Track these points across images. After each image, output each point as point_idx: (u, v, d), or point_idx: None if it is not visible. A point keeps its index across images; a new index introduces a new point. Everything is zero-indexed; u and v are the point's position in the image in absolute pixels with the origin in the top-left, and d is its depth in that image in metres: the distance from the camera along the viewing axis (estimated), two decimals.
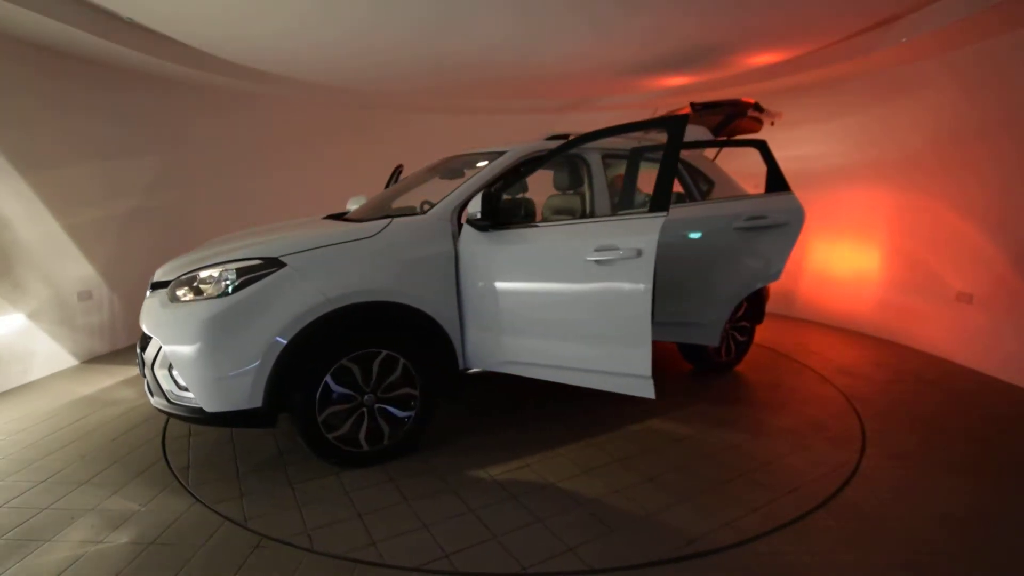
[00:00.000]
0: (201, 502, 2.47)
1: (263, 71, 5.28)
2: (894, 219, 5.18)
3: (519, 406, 3.57)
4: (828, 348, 4.95)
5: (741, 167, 6.33)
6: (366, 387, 2.73)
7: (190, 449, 3.00)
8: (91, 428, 3.24)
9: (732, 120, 4.54)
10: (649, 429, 3.24)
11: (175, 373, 2.55)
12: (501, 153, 3.28)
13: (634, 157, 3.64)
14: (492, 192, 2.76)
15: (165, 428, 3.23)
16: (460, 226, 2.96)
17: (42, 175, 4.12)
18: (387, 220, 2.89)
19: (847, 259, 5.63)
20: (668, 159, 2.38)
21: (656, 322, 3.42)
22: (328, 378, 2.62)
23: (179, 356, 2.47)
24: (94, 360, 4.56)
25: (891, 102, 5.12)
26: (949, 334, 4.64)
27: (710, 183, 4.20)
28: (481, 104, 6.71)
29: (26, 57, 4.01)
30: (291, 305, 2.53)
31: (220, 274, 2.55)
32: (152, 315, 2.68)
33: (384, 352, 2.75)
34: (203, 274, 2.58)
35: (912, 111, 4.94)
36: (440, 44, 4.51)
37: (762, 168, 3.81)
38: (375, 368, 2.74)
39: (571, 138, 3.64)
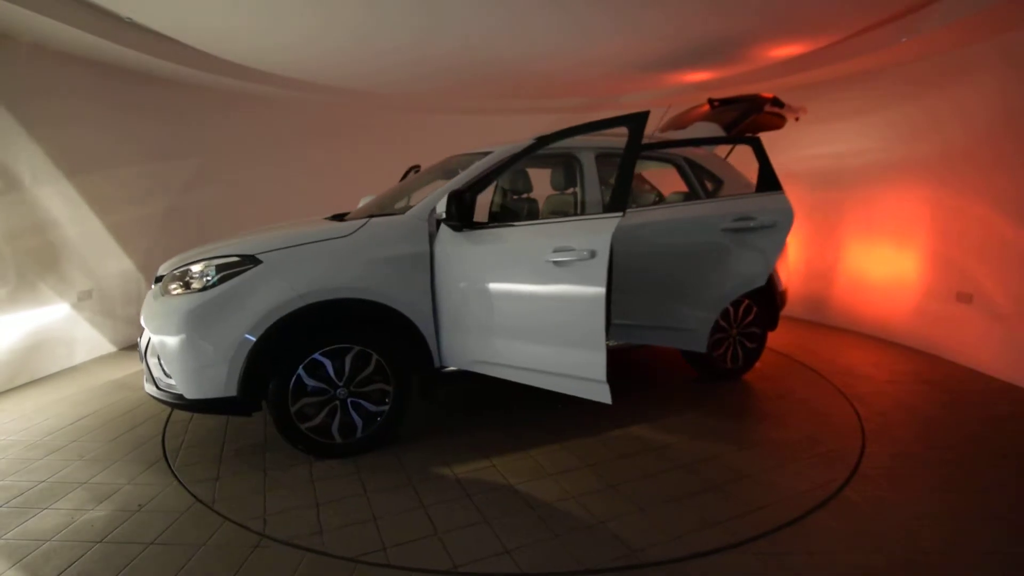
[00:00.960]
0: (201, 501, 2.47)
1: (289, 77, 5.55)
2: (937, 220, 4.76)
3: (506, 406, 3.58)
4: (856, 359, 4.63)
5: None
6: (339, 381, 2.83)
7: (185, 434, 3.21)
8: (93, 427, 3.26)
9: (747, 116, 4.34)
10: (629, 435, 3.16)
11: (162, 361, 2.74)
12: (488, 153, 3.30)
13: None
14: (460, 192, 2.78)
15: (165, 428, 3.26)
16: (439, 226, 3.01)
17: (85, 178, 4.53)
18: (365, 220, 2.98)
19: (885, 263, 5.23)
20: (626, 158, 2.31)
21: (643, 325, 3.35)
22: (301, 370, 2.74)
23: (164, 345, 2.66)
24: (131, 347, 4.97)
25: (938, 91, 4.67)
26: (997, 352, 4.21)
27: (718, 182, 4.03)
28: (503, 105, 6.74)
29: (74, 73, 4.42)
30: (264, 300, 2.66)
31: (203, 270, 2.72)
32: (147, 307, 2.89)
33: (357, 348, 2.84)
34: (190, 269, 2.76)
35: (962, 100, 4.49)
36: (462, 45, 4.54)
37: (785, 165, 3.59)
38: (347, 363, 2.83)
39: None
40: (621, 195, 2.31)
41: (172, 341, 2.63)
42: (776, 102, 4.40)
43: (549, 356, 2.59)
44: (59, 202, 4.33)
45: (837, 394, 3.80)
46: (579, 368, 2.48)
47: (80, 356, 4.56)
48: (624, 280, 3.43)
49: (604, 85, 5.97)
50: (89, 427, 3.28)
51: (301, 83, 5.72)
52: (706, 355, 3.87)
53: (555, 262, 2.48)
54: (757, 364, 4.18)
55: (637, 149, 2.32)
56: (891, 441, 3.07)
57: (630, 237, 3.42)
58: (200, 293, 2.65)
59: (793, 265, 6.06)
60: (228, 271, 2.68)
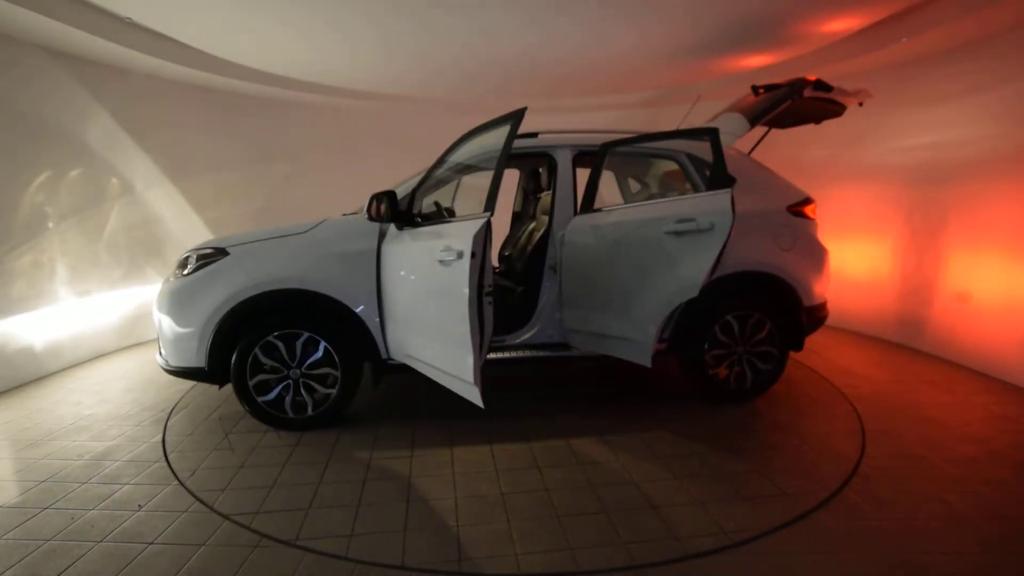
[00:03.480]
0: (201, 501, 2.49)
1: (357, 89, 6.14)
2: None
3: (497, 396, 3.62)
4: (856, 359, 3.82)
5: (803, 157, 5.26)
6: (291, 362, 3.16)
7: (187, 435, 3.34)
8: (93, 426, 3.25)
9: (781, 103, 3.77)
10: (571, 447, 3.01)
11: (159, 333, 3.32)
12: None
13: (603, 152, 3.38)
14: (381, 193, 2.92)
15: (166, 428, 3.29)
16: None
17: (187, 182, 5.55)
18: (323, 219, 3.27)
19: (997, 280, 4.14)
20: (500, 156, 2.24)
21: (596, 333, 3.18)
22: (257, 350, 3.11)
23: (159, 319, 3.22)
24: None
25: None
26: None
27: (729, 179, 3.59)
28: (552, 104, 6.66)
29: (178, 96, 5.45)
30: (227, 286, 3.08)
31: (190, 258, 3.23)
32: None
33: (306, 334, 3.14)
34: (185, 258, 3.30)
35: None
36: (507, 47, 4.68)
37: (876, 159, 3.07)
38: (298, 347, 3.14)
39: (539, 136, 3.57)
40: (491, 195, 2.24)
41: (162, 316, 3.18)
42: (820, 85, 3.75)
43: (439, 354, 2.62)
44: (164, 201, 5.38)
45: (837, 394, 3.70)
46: (456, 367, 2.47)
47: None
48: (578, 286, 3.27)
49: (656, 77, 5.59)
50: (89, 427, 3.31)
51: (367, 94, 6.29)
52: (703, 372, 3.49)
53: (441, 261, 2.50)
54: None
55: (509, 146, 2.22)
56: (891, 441, 3.02)
57: (586, 240, 3.25)
58: (183, 278, 3.16)
59: (884, 278, 5.08)
60: (204, 261, 3.16)
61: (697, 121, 4.27)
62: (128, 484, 2.65)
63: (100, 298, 4.77)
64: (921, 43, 4.17)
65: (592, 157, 3.49)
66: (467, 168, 3.19)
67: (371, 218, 2.98)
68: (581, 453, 2.94)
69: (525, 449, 2.99)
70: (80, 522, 2.33)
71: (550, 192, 3.59)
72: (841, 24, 4.02)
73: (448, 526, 2.30)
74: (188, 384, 3.83)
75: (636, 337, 2.92)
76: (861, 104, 4.04)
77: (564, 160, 3.47)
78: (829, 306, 3.79)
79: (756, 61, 4.91)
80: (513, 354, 3.37)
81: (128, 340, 5.08)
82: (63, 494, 2.56)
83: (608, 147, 3.35)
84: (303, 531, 2.28)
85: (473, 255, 2.26)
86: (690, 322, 3.47)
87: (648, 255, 2.88)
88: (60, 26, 3.75)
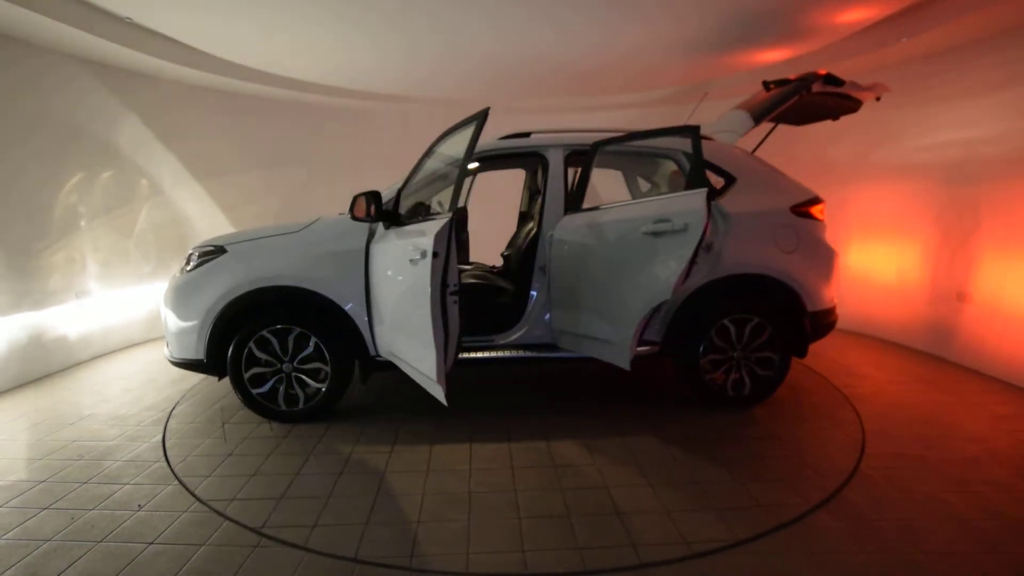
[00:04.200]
0: (201, 501, 2.49)
1: (379, 92, 6.29)
2: None
3: (488, 395, 3.67)
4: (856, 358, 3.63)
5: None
6: (284, 357, 3.27)
7: (187, 435, 3.31)
8: (94, 426, 3.22)
9: (788, 99, 3.62)
10: (550, 448, 2.98)
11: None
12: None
13: (593, 152, 3.34)
14: (375, 191, 2.98)
15: (166, 428, 3.30)
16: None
17: (212, 182, 5.82)
18: (316, 218, 3.37)
19: None
20: (464, 157, 2.25)
21: (579, 335, 3.15)
22: (252, 344, 3.24)
23: (164, 315, 3.40)
24: None
25: None
26: None
27: (728, 178, 3.49)
28: (571, 103, 6.60)
29: (203, 100, 5.72)
30: (224, 282, 3.21)
31: (192, 255, 3.39)
32: None
33: (297, 329, 3.24)
34: (189, 254, 3.47)
35: None
36: (527, 48, 4.69)
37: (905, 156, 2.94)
38: (290, 342, 3.25)
39: (532, 136, 3.57)
40: (454, 195, 2.25)
41: (167, 310, 3.35)
42: (830, 79, 3.58)
43: (412, 351, 2.65)
44: (191, 201, 5.67)
45: (837, 394, 3.70)
46: (424, 365, 2.49)
47: None
48: (564, 286, 3.25)
49: (672, 74, 5.46)
50: (89, 427, 3.31)
51: (391, 96, 6.43)
52: (699, 377, 3.40)
53: (411, 260, 2.53)
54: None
55: (472, 148, 2.22)
56: (891, 441, 3.03)
57: (571, 240, 3.22)
58: (186, 274, 3.33)
59: (913, 282, 4.79)
60: (205, 257, 3.31)
61: (706, 118, 4.15)
62: (128, 484, 2.65)
63: (130, 292, 5.07)
64: (950, 33, 3.91)
65: (580, 157, 3.45)
66: (450, 168, 3.22)
67: (354, 218, 3.05)
68: (559, 455, 2.92)
69: (504, 449, 2.99)
70: (80, 522, 2.33)
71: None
72: (855, 15, 3.82)
73: (409, 522, 2.33)
74: (188, 384, 3.97)
75: (614, 339, 2.87)
76: (878, 99, 3.84)
77: (555, 160, 3.45)
78: (856, 312, 3.62)
79: (771, 56, 4.72)
80: (501, 354, 3.37)
81: (155, 332, 5.38)
82: (63, 494, 2.56)
83: (598, 146, 3.30)
84: (271, 519, 2.36)
85: (435, 254, 2.28)
86: (684, 325, 3.38)
87: (627, 256, 2.82)
88: (94, 39, 4.02)
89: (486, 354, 3.38)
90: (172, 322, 3.32)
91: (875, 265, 5.21)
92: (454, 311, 2.47)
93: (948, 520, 2.30)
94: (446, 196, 2.89)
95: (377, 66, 5.16)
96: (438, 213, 2.69)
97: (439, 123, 7.21)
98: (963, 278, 4.37)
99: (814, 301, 3.49)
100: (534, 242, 3.49)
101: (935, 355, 4.54)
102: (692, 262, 2.54)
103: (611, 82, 5.74)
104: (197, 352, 3.26)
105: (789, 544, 2.15)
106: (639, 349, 3.40)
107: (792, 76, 3.83)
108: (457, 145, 2.54)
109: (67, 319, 4.46)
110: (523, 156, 3.57)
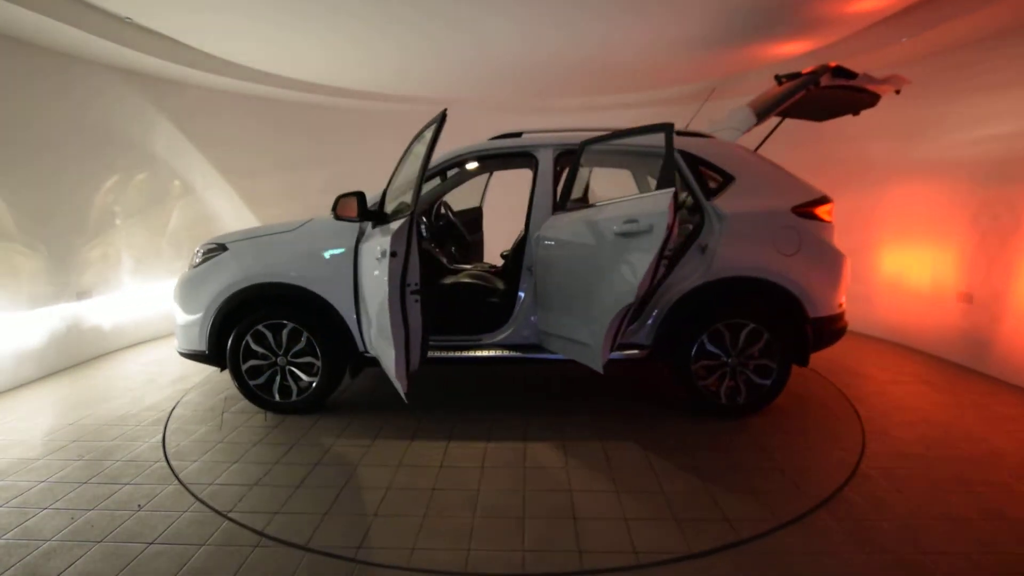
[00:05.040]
0: (201, 501, 2.49)
1: (402, 94, 6.43)
2: None
3: (480, 395, 3.71)
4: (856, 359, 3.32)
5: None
6: (278, 350, 3.41)
7: (186, 436, 3.61)
8: (93, 426, 3.21)
9: (794, 94, 3.45)
10: (526, 449, 2.97)
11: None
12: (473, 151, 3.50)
13: (580, 151, 3.30)
14: (359, 192, 3.06)
15: (166, 428, 3.30)
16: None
17: (243, 182, 6.13)
18: (310, 218, 3.49)
19: None
20: (423, 157, 2.27)
21: (559, 336, 3.13)
22: (249, 337, 3.39)
23: (173, 308, 3.61)
24: None
25: None
26: None
27: (726, 177, 3.36)
28: (586, 102, 6.52)
29: (233, 105, 6.03)
30: (224, 279, 3.38)
31: (198, 252, 3.59)
32: None
33: (291, 324, 3.37)
34: (196, 251, 3.67)
35: None
36: (543, 48, 4.70)
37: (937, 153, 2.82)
38: (284, 336, 3.38)
39: (523, 136, 3.57)
40: (414, 195, 2.27)
41: (175, 304, 3.56)
42: (840, 72, 3.38)
43: (382, 348, 2.70)
44: (221, 201, 5.99)
45: (838, 394, 3.73)
46: (388, 362, 2.53)
47: None
48: (546, 287, 3.22)
49: (684, 70, 5.30)
50: (89, 427, 3.31)
51: (413, 97, 6.56)
52: (691, 383, 3.30)
53: (377, 259, 2.58)
54: None
55: (431, 149, 2.24)
56: (891, 441, 3.03)
57: (553, 240, 3.19)
58: (192, 270, 3.52)
59: (948, 288, 4.44)
60: (209, 255, 3.49)
61: (719, 116, 4.01)
62: (128, 484, 2.65)
63: (163, 287, 5.41)
64: (989, 19, 3.60)
65: (567, 157, 3.42)
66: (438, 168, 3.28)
67: (337, 217, 3.14)
68: (533, 457, 2.90)
69: (480, 448, 3.00)
70: (80, 522, 2.33)
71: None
72: (870, 4, 3.58)
73: (366, 515, 2.38)
74: (188, 384, 4.08)
75: (589, 341, 2.82)
76: (898, 92, 3.61)
77: (545, 159, 3.43)
78: (886, 318, 3.44)
79: (787, 50, 4.50)
80: (487, 353, 3.38)
81: None
82: (63, 494, 2.56)
83: (585, 146, 3.25)
84: (240, 504, 2.47)
85: (394, 254, 2.32)
86: (675, 329, 3.29)
87: (599, 257, 2.77)
88: (130, 52, 4.33)
89: (473, 353, 3.40)
90: (179, 315, 3.52)
91: (908, 269, 4.87)
92: (415, 310, 2.50)
93: (948, 520, 2.30)
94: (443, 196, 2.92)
95: (400, 68, 5.30)
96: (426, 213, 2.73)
97: (454, 124, 7.29)
98: (1001, 285, 4.01)
99: (817, 307, 3.31)
100: (523, 242, 3.48)
101: (974, 370, 4.20)
102: (657, 264, 2.46)
103: (624, 81, 5.64)
104: (200, 344, 3.45)
105: (789, 544, 2.15)
106: (628, 353, 3.34)
107: (806, 70, 3.65)
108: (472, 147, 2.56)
109: (103, 311, 4.81)
110: (514, 156, 3.57)
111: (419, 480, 2.67)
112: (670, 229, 2.38)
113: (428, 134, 2.42)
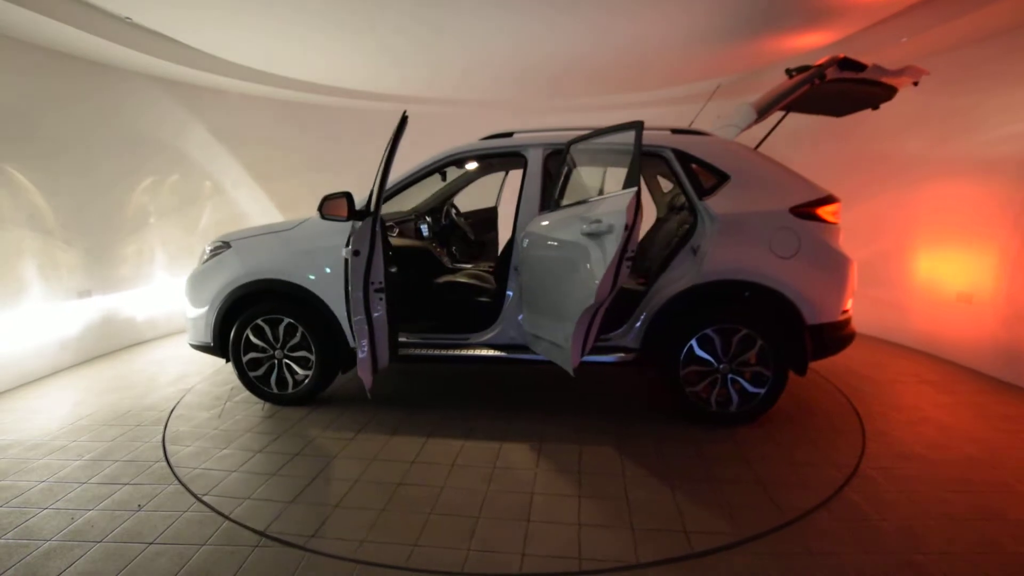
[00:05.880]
0: (201, 501, 2.49)
1: (428, 96, 6.55)
2: None
3: (470, 394, 3.75)
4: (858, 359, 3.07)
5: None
6: (275, 344, 3.56)
7: (187, 436, 3.88)
8: (93, 426, 3.19)
9: (798, 89, 3.28)
10: (501, 450, 2.97)
11: None
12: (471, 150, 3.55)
13: (566, 151, 3.27)
14: (346, 192, 3.14)
15: (166, 427, 3.30)
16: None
17: (271, 184, 6.42)
18: (307, 217, 3.61)
19: None
20: (385, 159, 2.31)
21: (538, 336, 3.12)
22: (248, 331, 3.56)
23: (184, 302, 3.84)
24: None
25: None
26: None
27: (720, 176, 3.24)
28: (604, 101, 6.41)
29: (261, 110, 6.32)
30: (227, 275, 3.56)
31: (207, 248, 3.80)
32: None
33: (287, 320, 3.51)
34: (205, 248, 3.87)
35: None
36: (564, 48, 4.71)
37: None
38: (281, 330, 3.53)
39: (514, 135, 3.58)
40: (376, 196, 2.31)
41: (185, 299, 3.78)
42: (847, 64, 3.19)
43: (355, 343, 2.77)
44: (250, 201, 6.29)
45: (838, 394, 3.73)
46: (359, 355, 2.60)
47: None
48: (528, 287, 3.20)
49: (698, 66, 5.12)
50: (89, 427, 3.31)
51: (441, 100, 6.67)
52: (680, 389, 3.21)
53: (345, 258, 2.65)
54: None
55: (395, 147, 2.27)
56: (891, 441, 3.04)
57: (533, 240, 3.17)
58: (200, 266, 3.73)
59: (987, 297, 4.10)
60: (215, 251, 3.69)
61: (725, 112, 3.87)
62: (128, 484, 2.64)
63: None
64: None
65: (557, 156, 3.38)
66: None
67: (323, 217, 3.24)
68: (506, 457, 2.90)
69: (457, 446, 3.03)
70: (80, 522, 2.33)
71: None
72: None
73: (327, 505, 2.45)
74: (188, 383, 4.15)
75: (562, 343, 2.79)
76: (916, 84, 3.36)
77: (534, 159, 3.41)
78: (919, 327, 3.27)
79: (806, 42, 4.27)
80: (471, 352, 3.40)
81: None
82: (63, 494, 2.55)
83: (570, 145, 3.21)
84: (215, 489, 2.59)
85: (356, 253, 2.38)
86: (663, 333, 3.20)
87: (569, 257, 2.72)
88: (169, 64, 4.66)
89: (460, 352, 3.42)
90: (188, 309, 3.73)
91: (944, 276, 4.52)
92: (380, 308, 2.54)
93: (948, 520, 2.30)
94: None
95: (430, 73, 5.42)
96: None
97: (472, 124, 7.36)
98: None
99: (816, 313, 3.13)
100: (511, 242, 3.48)
101: (1015, 385, 3.85)
102: (618, 266, 2.39)
103: (636, 79, 5.52)
104: (207, 337, 3.65)
105: (789, 544, 2.15)
106: (616, 356, 3.27)
107: (818, 62, 3.47)
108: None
109: (136, 304, 5.17)
110: (504, 156, 3.57)
111: (389, 475, 2.73)
112: (628, 229, 2.31)
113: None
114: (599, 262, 2.45)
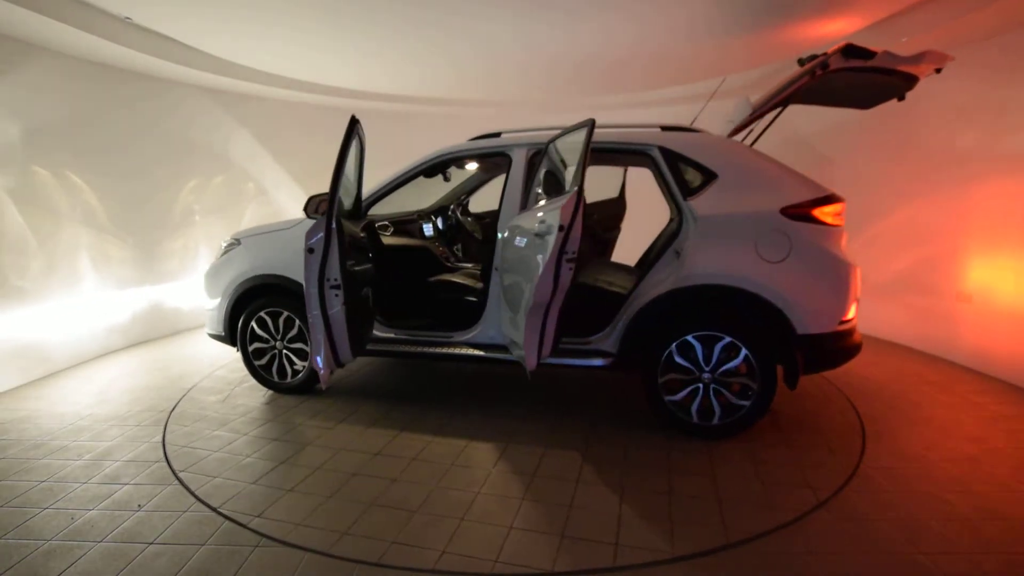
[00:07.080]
0: (202, 501, 2.49)
1: (458, 98, 6.68)
2: None
3: (460, 392, 3.82)
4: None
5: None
6: (276, 336, 3.78)
7: (187, 436, 3.98)
8: (93, 426, 3.30)
9: (797, 82, 3.05)
10: (466, 447, 2.99)
11: None
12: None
13: (547, 150, 3.24)
14: (320, 195, 3.29)
15: (166, 427, 3.30)
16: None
17: (308, 183, 6.78)
18: (305, 216, 3.80)
19: None
20: (337, 162, 2.40)
21: (508, 337, 3.11)
22: (253, 323, 3.81)
23: (202, 295, 4.16)
24: None
25: None
26: None
27: (708, 174, 3.09)
28: (626, 99, 6.21)
29: (298, 114, 6.69)
30: (236, 270, 3.82)
31: (223, 245, 4.09)
32: None
33: (285, 313, 3.72)
34: (221, 245, 4.17)
35: None
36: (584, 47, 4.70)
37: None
38: (281, 323, 3.75)
39: (501, 136, 3.60)
40: (330, 198, 2.39)
41: (203, 291, 4.10)
42: (852, 51, 2.91)
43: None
44: (290, 200, 6.69)
45: (837, 394, 3.70)
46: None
47: None
48: (503, 287, 3.19)
49: (713, 62, 4.85)
50: (89, 427, 3.32)
51: (467, 101, 6.77)
52: (659, 397, 3.09)
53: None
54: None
55: (346, 147, 2.35)
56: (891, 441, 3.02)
57: (506, 241, 3.16)
58: (216, 261, 4.03)
59: (1006, 304, 3.62)
60: (228, 248, 3.97)
61: (724, 109, 3.67)
62: (128, 484, 2.64)
63: None
64: None
65: (539, 156, 3.35)
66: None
67: (309, 216, 3.40)
68: (467, 456, 2.91)
69: (424, 442, 3.08)
70: (80, 522, 2.33)
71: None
72: None
73: (281, 489, 2.58)
74: (188, 383, 4.21)
75: (519, 342, 2.76)
76: (939, 71, 3.02)
77: (517, 159, 3.40)
78: (970, 342, 3.00)
79: (831, 29, 3.93)
80: (451, 351, 3.44)
81: None
82: (63, 494, 2.55)
83: (549, 145, 3.17)
84: (193, 467, 2.80)
85: (310, 251, 2.48)
86: (641, 338, 3.09)
87: (525, 257, 2.69)
88: (210, 75, 5.08)
89: (443, 350, 3.48)
90: (206, 301, 4.05)
91: (999, 286, 4.01)
92: (336, 304, 2.63)
93: (948, 520, 2.29)
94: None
95: (457, 75, 5.56)
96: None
97: (493, 124, 7.36)
98: None
99: (810, 322, 2.90)
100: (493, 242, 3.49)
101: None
102: (557, 266, 2.33)
103: (647, 78, 5.33)
104: (220, 327, 3.94)
105: (789, 544, 2.15)
106: (593, 361, 3.20)
107: (829, 51, 3.21)
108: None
109: (182, 295, 5.66)
110: (491, 156, 3.58)
111: (349, 465, 2.82)
112: (564, 230, 2.25)
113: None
114: (541, 262, 2.41)
